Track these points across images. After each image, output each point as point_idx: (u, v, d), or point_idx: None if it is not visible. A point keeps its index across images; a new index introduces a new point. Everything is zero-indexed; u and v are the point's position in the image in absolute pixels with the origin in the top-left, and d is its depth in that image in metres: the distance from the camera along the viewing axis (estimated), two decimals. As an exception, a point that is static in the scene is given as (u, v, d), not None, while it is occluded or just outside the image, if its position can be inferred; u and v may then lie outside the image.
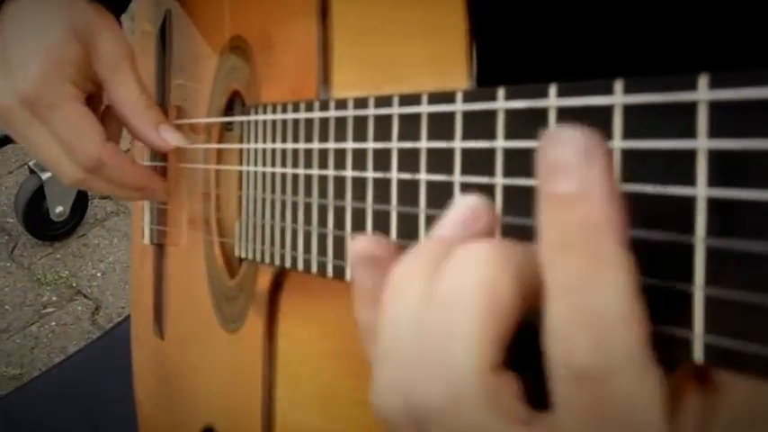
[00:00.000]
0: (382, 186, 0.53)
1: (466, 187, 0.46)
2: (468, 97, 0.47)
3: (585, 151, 0.35)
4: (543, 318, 0.37)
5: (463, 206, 0.43)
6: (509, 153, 0.44)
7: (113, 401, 0.92)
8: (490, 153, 0.45)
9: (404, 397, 0.41)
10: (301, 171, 0.64)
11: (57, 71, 0.84)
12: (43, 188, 2.78)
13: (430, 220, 0.49)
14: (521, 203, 0.43)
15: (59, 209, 2.83)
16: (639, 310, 0.35)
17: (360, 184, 0.56)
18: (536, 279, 0.38)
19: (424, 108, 0.49)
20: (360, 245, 0.45)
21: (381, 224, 0.54)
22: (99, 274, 2.81)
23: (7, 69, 0.84)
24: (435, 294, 0.40)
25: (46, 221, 2.84)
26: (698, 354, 0.34)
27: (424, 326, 0.40)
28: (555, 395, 0.37)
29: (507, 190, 0.44)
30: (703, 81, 0.33)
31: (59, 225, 2.88)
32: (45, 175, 2.75)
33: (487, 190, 0.45)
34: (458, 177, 0.47)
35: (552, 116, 0.41)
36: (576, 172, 0.35)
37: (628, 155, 0.37)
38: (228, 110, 0.87)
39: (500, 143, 0.44)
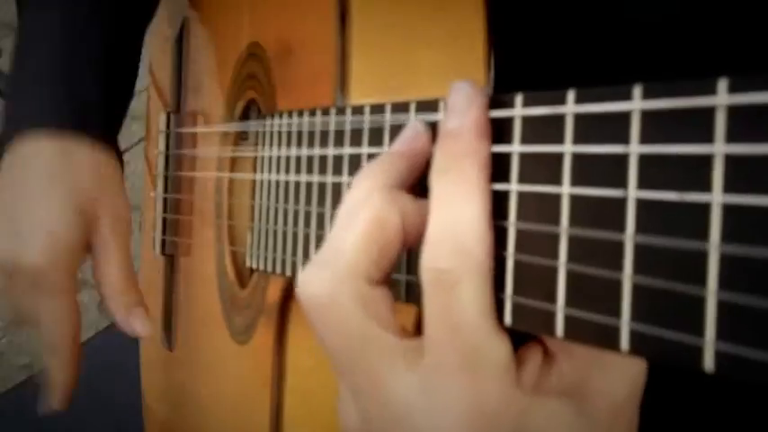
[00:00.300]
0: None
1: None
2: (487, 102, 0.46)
3: (468, 99, 0.46)
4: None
5: (409, 127, 0.51)
6: (525, 158, 0.43)
7: (129, 392, 0.93)
8: (506, 158, 0.44)
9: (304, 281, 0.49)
10: (315, 179, 0.63)
11: (64, 261, 0.86)
12: None
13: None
14: (535, 210, 0.43)
15: None
16: (489, 232, 0.44)
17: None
18: (418, 224, 0.47)
19: (442, 115, 0.49)
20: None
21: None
22: None
23: (14, 233, 0.86)
24: (350, 212, 0.49)
25: None
26: (708, 362, 0.33)
27: (340, 221, 0.49)
28: (423, 302, 0.45)
29: (521, 196, 0.44)
30: (722, 85, 0.33)
31: None
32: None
33: (503, 195, 0.44)
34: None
35: (570, 122, 0.40)
36: (457, 114, 0.46)
37: (645, 160, 0.36)
38: (244, 117, 0.87)
39: (516, 148, 0.44)
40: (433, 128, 0.50)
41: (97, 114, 0.91)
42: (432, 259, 0.45)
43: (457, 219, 0.44)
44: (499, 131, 0.45)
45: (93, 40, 0.92)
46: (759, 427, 0.73)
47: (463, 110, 0.46)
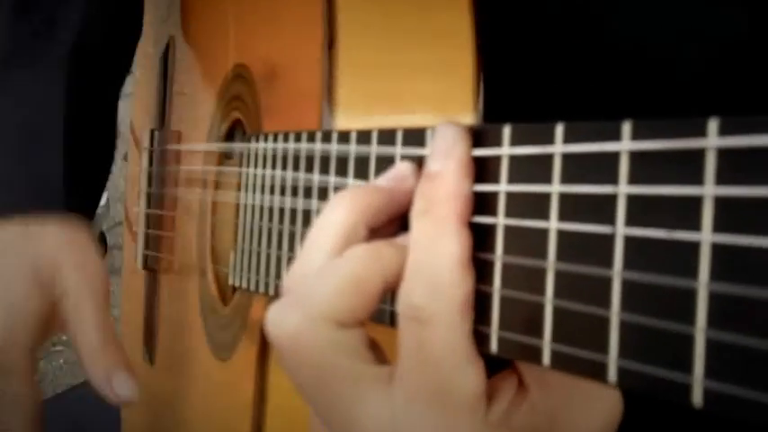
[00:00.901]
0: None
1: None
2: (475, 137, 0.47)
3: (451, 143, 0.46)
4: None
5: (397, 167, 0.51)
6: (512, 195, 0.44)
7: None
8: (494, 192, 0.45)
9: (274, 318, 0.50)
10: (300, 202, 0.63)
11: (23, 337, 0.82)
12: None
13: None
14: (522, 244, 0.43)
15: None
16: (468, 271, 0.45)
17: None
18: (401, 271, 0.47)
19: (428, 151, 0.49)
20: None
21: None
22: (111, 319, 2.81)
23: None
24: (333, 261, 0.49)
25: None
26: (697, 398, 0.34)
27: (311, 272, 0.49)
28: (399, 336, 0.46)
29: (508, 230, 0.44)
30: (713, 126, 0.33)
31: None
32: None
33: (490, 229, 0.45)
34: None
35: (558, 161, 0.41)
36: (439, 158, 0.47)
37: (634, 199, 0.37)
38: (229, 138, 0.87)
39: (503, 187, 0.44)
40: (420, 165, 0.50)
41: (59, 188, 0.88)
42: (408, 297, 0.46)
43: (433, 259, 0.45)
44: (486, 168, 0.46)
45: (51, 111, 0.90)
46: None
47: (446, 153, 0.47)
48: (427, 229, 0.46)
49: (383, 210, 0.50)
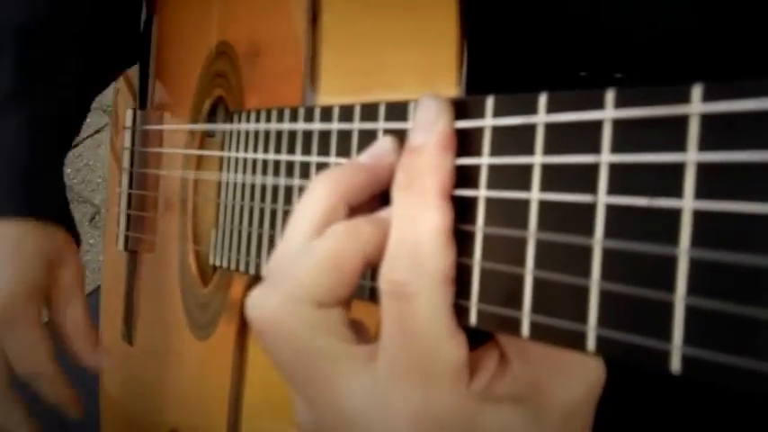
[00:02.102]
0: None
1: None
2: (458, 109, 0.46)
3: (435, 115, 0.46)
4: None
5: (379, 142, 0.51)
6: (493, 167, 0.44)
7: (71, 382, 0.96)
8: (476, 165, 0.44)
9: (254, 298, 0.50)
10: (282, 181, 0.63)
11: (28, 295, 0.92)
12: None
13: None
14: (503, 215, 0.43)
15: None
16: (450, 246, 0.45)
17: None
18: (381, 247, 0.47)
19: (411, 124, 0.49)
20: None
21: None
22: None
23: None
24: (311, 242, 0.49)
25: None
26: (675, 365, 0.33)
27: (291, 253, 0.49)
28: (381, 312, 0.46)
29: (490, 201, 0.44)
30: (696, 93, 0.33)
31: None
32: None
33: (471, 201, 0.44)
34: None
35: (540, 131, 0.41)
36: (421, 130, 0.46)
37: (616, 168, 0.36)
38: (211, 116, 0.87)
39: (485, 159, 0.44)
40: (402, 140, 0.50)
41: (53, 201, 0.99)
42: (389, 272, 0.46)
43: (415, 233, 0.45)
44: (469, 140, 0.45)
45: (53, 137, 1.00)
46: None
47: (428, 126, 0.46)
48: (408, 204, 0.46)
49: (364, 188, 0.50)
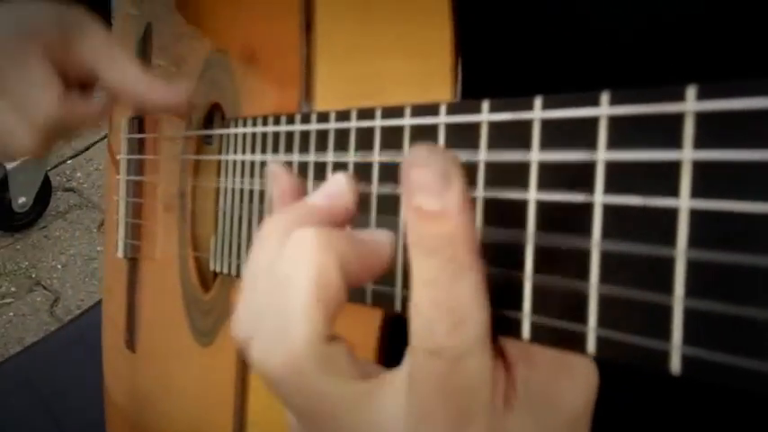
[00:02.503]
0: (362, 199, 0.53)
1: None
2: (452, 109, 0.46)
3: (444, 175, 0.42)
4: (411, 298, 0.44)
5: (332, 181, 0.50)
6: (490, 166, 0.44)
7: (72, 393, 0.92)
8: (472, 166, 0.45)
9: (251, 351, 0.48)
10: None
11: (28, 35, 0.82)
12: (7, 178, 2.77)
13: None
14: (502, 216, 0.43)
15: (22, 200, 2.84)
16: (487, 302, 0.43)
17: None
18: (357, 261, 0.47)
19: (407, 121, 0.49)
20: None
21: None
22: (59, 266, 2.82)
23: None
24: (277, 271, 0.48)
25: (8, 212, 2.84)
26: (675, 366, 0.34)
27: (268, 291, 0.48)
28: (410, 361, 0.45)
29: (488, 203, 0.44)
30: (691, 92, 0.33)
31: (21, 216, 2.88)
32: (10, 165, 2.75)
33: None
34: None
35: (537, 128, 0.41)
36: (436, 193, 0.42)
37: (612, 166, 0.37)
38: (208, 122, 0.87)
39: (482, 156, 0.44)
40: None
41: None
42: (428, 338, 0.43)
43: (452, 298, 0.43)
44: (465, 137, 0.45)
45: None
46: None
47: (441, 190, 0.42)
48: (440, 270, 0.43)
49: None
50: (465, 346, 0.43)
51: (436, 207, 0.42)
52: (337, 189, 0.50)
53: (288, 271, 0.47)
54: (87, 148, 2.96)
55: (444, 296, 0.43)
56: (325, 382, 0.46)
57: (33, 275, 2.80)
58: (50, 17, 0.83)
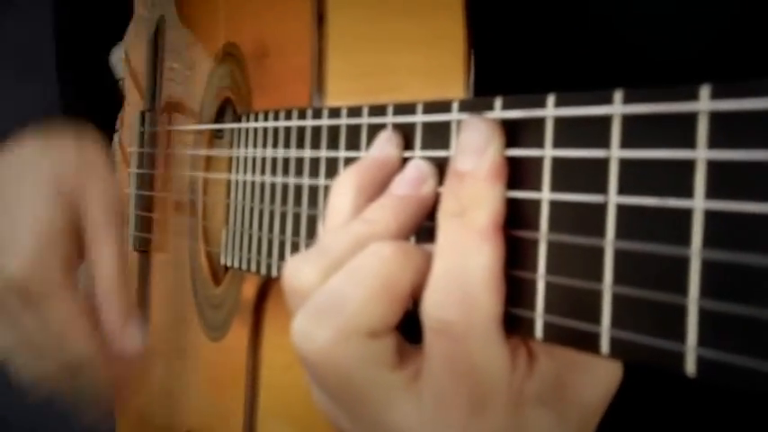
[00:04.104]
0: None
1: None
2: (465, 107, 0.46)
3: (485, 138, 0.43)
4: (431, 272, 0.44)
5: (414, 168, 0.49)
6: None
7: None
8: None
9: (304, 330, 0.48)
10: (291, 180, 0.63)
11: (48, 254, 0.79)
12: None
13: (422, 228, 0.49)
14: (515, 213, 0.43)
15: None
16: (501, 283, 0.42)
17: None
18: (427, 274, 0.45)
19: (419, 118, 0.49)
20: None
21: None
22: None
23: None
24: (354, 260, 0.47)
25: None
26: (690, 368, 0.33)
27: (343, 284, 0.47)
28: (424, 342, 0.45)
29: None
30: (705, 92, 0.33)
31: None
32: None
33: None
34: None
35: (549, 126, 0.41)
36: (473, 154, 0.43)
37: (625, 165, 0.36)
38: (219, 117, 0.87)
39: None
40: (440, 165, 0.48)
41: (83, 104, 0.87)
42: (437, 308, 0.43)
43: (465, 269, 0.43)
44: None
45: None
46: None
47: (478, 151, 0.43)
48: (458, 236, 0.43)
49: (412, 221, 0.48)
50: (472, 326, 0.42)
51: (467, 167, 0.43)
52: (418, 175, 0.49)
53: (361, 265, 0.46)
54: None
55: (456, 265, 0.43)
56: (362, 371, 0.46)
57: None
58: (54, 208, 0.80)
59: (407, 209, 0.48)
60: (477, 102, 0.45)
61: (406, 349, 0.47)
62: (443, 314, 0.43)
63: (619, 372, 0.47)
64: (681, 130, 0.34)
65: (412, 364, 0.46)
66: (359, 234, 0.48)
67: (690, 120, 0.34)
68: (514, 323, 0.43)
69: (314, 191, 0.60)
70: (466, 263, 0.42)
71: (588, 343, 0.38)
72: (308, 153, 0.61)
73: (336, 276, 0.47)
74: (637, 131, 0.36)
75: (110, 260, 0.81)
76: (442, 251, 0.44)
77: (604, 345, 0.37)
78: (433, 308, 0.43)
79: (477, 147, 0.43)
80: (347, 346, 0.46)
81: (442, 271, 0.43)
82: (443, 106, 0.48)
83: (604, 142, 0.37)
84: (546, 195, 0.41)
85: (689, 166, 0.34)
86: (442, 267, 0.43)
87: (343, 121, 0.56)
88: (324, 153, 0.58)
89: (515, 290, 0.43)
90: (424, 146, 0.49)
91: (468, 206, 0.43)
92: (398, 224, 0.48)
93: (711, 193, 0.33)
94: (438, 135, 0.48)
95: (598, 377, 0.46)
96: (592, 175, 0.38)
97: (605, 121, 0.37)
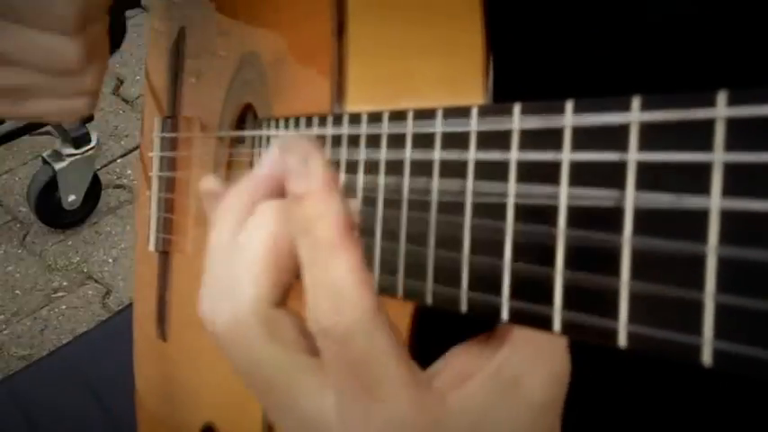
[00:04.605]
0: (393, 198, 0.54)
1: (478, 197, 0.47)
2: (484, 112, 0.47)
3: (305, 158, 0.47)
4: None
5: (273, 150, 0.52)
6: (522, 166, 0.45)
7: (121, 380, 0.93)
8: (504, 166, 0.45)
9: (208, 314, 0.52)
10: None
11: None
12: (56, 178, 2.80)
13: (441, 232, 0.50)
14: (533, 213, 0.44)
15: (72, 197, 2.84)
16: (366, 277, 0.45)
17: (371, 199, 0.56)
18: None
19: (439, 128, 0.50)
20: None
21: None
22: (110, 260, 2.84)
23: None
24: (238, 239, 0.50)
25: (58, 210, 2.86)
26: (707, 359, 0.35)
27: (226, 259, 0.51)
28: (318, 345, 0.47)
29: (518, 206, 0.45)
30: (722, 98, 0.34)
31: (72, 213, 2.89)
32: (59, 166, 2.78)
33: (499, 204, 0.45)
34: (470, 189, 0.48)
35: (568, 131, 0.42)
36: (299, 176, 0.47)
37: (642, 166, 0.38)
38: (240, 123, 0.88)
39: (514, 155, 0.45)
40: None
41: None
42: (315, 318, 0.46)
43: (328, 278, 0.46)
44: (497, 137, 0.46)
45: None
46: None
47: (303, 171, 0.47)
48: (312, 250, 0.47)
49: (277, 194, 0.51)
50: (347, 328, 0.45)
51: (301, 188, 0.47)
52: (275, 155, 0.52)
53: (245, 239, 0.50)
54: (136, 148, 2.99)
55: (322, 276, 0.46)
56: (267, 348, 0.49)
57: (85, 270, 2.81)
58: None
59: (269, 183, 0.51)
60: (496, 108, 0.46)
61: (313, 340, 0.49)
62: (322, 323, 0.46)
63: (567, 372, 0.49)
64: (698, 137, 0.35)
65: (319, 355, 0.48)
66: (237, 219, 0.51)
67: (707, 126, 0.34)
68: (534, 319, 0.44)
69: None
70: (326, 274, 0.45)
71: (606, 337, 0.39)
72: (327, 154, 0.62)
73: (221, 259, 0.51)
74: (654, 138, 0.37)
75: None
76: (304, 268, 0.47)
77: (622, 339, 0.38)
78: (312, 319, 0.46)
79: (300, 168, 0.47)
80: (247, 322, 0.49)
81: (309, 285, 0.46)
82: (463, 112, 0.49)
83: (622, 148, 0.38)
84: (564, 191, 0.42)
85: (705, 168, 0.35)
86: (309, 282, 0.46)
87: (363, 129, 0.57)
88: (344, 156, 0.59)
89: (534, 287, 0.44)
90: (444, 148, 0.50)
91: (311, 223, 0.46)
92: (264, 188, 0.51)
93: (728, 192, 0.34)
94: (455, 139, 0.49)
95: (553, 374, 0.48)
96: (609, 174, 0.39)
97: (623, 128, 0.38)
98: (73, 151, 2.76)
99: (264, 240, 0.49)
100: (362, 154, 0.57)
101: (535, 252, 0.43)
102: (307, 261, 0.47)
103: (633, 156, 0.38)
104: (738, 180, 0.33)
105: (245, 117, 0.88)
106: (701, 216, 0.35)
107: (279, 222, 0.49)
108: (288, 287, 0.49)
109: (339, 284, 0.45)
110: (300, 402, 0.49)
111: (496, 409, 0.48)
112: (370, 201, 0.55)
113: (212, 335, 0.51)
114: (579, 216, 0.41)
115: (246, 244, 0.49)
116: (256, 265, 0.49)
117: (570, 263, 0.41)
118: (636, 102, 0.38)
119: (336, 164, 0.60)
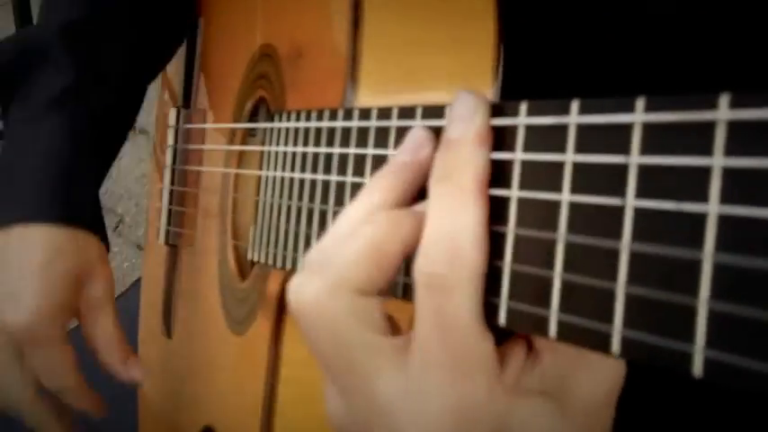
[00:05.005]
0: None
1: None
2: (491, 111, 0.47)
3: (471, 108, 0.47)
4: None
5: (412, 137, 0.52)
6: (526, 165, 0.44)
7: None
8: (508, 164, 0.45)
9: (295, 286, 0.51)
10: (320, 177, 0.64)
11: (53, 315, 0.89)
12: None
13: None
14: (534, 216, 0.43)
15: None
16: (485, 241, 0.45)
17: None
18: (419, 239, 0.47)
19: (447, 121, 0.50)
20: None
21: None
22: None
23: (1, 295, 0.90)
24: (352, 223, 0.50)
25: None
26: (697, 369, 0.34)
27: (341, 228, 0.50)
28: (415, 303, 0.47)
29: (522, 203, 0.44)
30: (724, 100, 0.34)
31: None
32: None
33: (503, 202, 0.45)
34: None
35: (572, 131, 0.41)
36: (461, 122, 0.47)
37: (645, 170, 0.37)
38: (253, 115, 0.88)
39: (519, 155, 0.45)
40: (437, 134, 0.50)
41: (88, 211, 0.96)
42: (427, 264, 0.46)
43: (453, 227, 0.46)
44: (502, 138, 0.46)
45: (91, 145, 0.97)
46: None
47: (466, 119, 0.47)
48: (447, 197, 0.46)
49: (409, 187, 0.51)
50: (456, 279, 0.45)
51: (456, 134, 0.47)
52: (417, 142, 0.51)
53: (357, 224, 0.50)
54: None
55: (445, 225, 0.46)
56: (349, 327, 0.48)
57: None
58: (69, 281, 0.91)
59: (407, 174, 0.51)
60: (503, 106, 0.46)
61: (397, 324, 0.50)
62: (434, 268, 0.45)
63: (622, 369, 0.48)
64: (699, 138, 0.35)
65: (402, 337, 0.49)
66: (363, 203, 0.51)
67: (708, 128, 0.34)
68: (530, 322, 0.43)
69: (341, 188, 0.61)
70: (454, 221, 0.46)
71: (599, 342, 0.39)
72: (336, 150, 0.62)
73: (332, 238, 0.50)
74: (656, 138, 0.37)
75: (110, 324, 0.94)
76: (432, 213, 0.47)
77: (615, 344, 0.38)
78: (424, 264, 0.46)
79: (464, 116, 0.47)
80: (334, 300, 0.48)
81: (432, 230, 0.46)
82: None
83: (625, 148, 0.38)
84: (566, 197, 0.41)
85: (705, 172, 0.34)
86: (433, 227, 0.46)
87: (373, 123, 0.57)
88: (352, 150, 0.59)
89: (532, 289, 0.43)
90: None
91: (454, 170, 0.47)
92: (399, 188, 0.50)
93: (726, 198, 0.33)
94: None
95: (602, 374, 0.48)
96: (611, 178, 0.39)
97: (626, 128, 0.38)
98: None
99: (373, 241, 0.48)
100: (371, 148, 0.57)
101: (534, 252, 0.43)
102: (436, 206, 0.47)
103: (635, 159, 0.37)
104: (737, 186, 0.33)
105: (258, 110, 0.88)
106: (699, 222, 0.34)
107: (390, 234, 0.49)
108: (378, 288, 0.49)
109: (462, 235, 0.45)
110: (376, 384, 0.48)
111: (549, 424, 0.48)
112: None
113: (293, 307, 0.50)
114: (580, 220, 0.41)
115: (357, 235, 0.49)
116: (357, 258, 0.48)
117: (568, 264, 0.41)
118: (640, 103, 0.38)
119: (345, 159, 0.60)
